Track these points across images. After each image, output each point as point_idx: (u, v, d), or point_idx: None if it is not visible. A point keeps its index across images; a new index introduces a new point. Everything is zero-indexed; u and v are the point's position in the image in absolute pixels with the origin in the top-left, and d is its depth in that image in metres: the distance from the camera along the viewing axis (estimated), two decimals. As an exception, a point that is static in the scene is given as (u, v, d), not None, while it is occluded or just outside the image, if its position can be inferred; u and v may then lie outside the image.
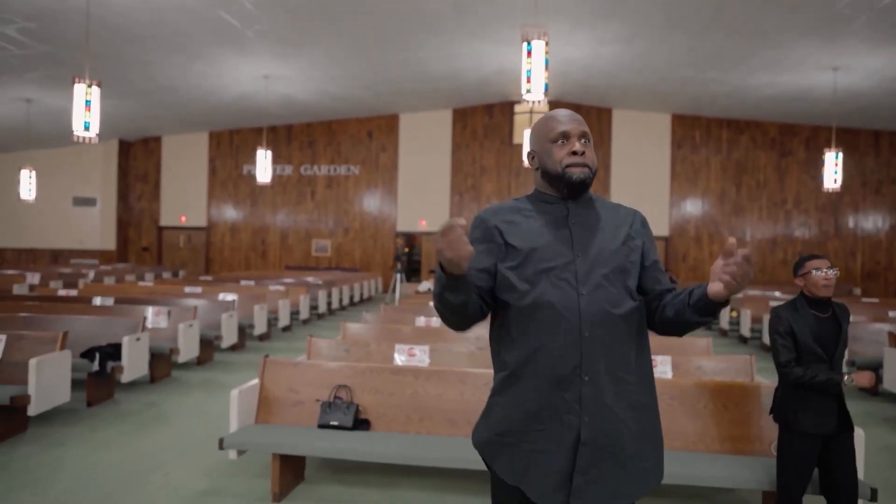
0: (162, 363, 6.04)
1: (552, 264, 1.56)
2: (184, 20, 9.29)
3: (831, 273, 2.63)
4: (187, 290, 8.70)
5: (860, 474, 2.82)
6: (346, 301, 12.40)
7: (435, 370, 3.61)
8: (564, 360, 1.51)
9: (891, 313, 7.50)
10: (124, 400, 5.29)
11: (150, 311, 6.13)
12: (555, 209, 1.65)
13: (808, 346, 2.62)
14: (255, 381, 3.65)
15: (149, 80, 12.20)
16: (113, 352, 4.99)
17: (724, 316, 9.46)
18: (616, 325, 1.54)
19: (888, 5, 8.23)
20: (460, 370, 3.61)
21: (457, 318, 1.55)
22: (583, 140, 1.64)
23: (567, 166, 1.62)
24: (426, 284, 11.05)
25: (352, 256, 16.89)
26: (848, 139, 14.55)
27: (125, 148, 17.58)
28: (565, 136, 1.64)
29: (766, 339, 7.94)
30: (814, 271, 2.63)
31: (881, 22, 8.84)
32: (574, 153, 1.62)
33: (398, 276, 12.44)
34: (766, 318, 7.97)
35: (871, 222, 14.99)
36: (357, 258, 16.86)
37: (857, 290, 13.37)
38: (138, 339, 5.16)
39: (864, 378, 2.56)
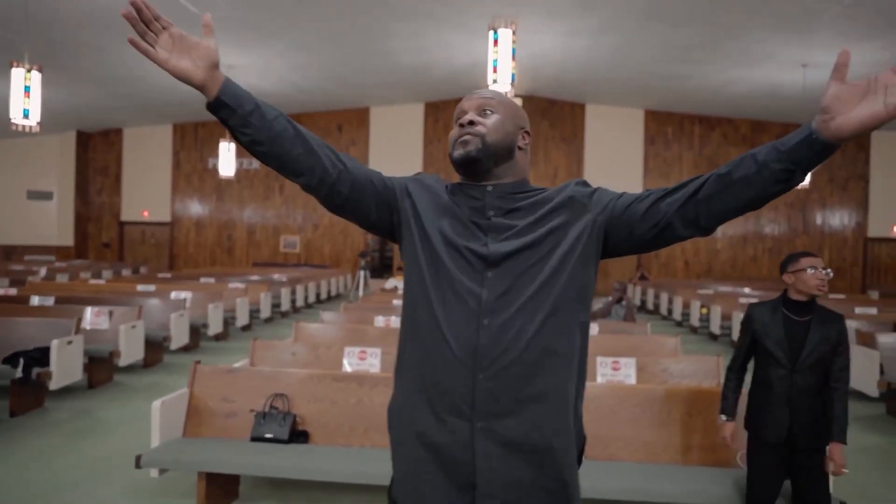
0: (102, 367, 5.65)
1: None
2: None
3: (825, 273, 2.42)
4: (139, 288, 8.27)
5: (831, 486, 2.62)
6: (312, 299, 12.04)
7: (382, 377, 3.33)
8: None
9: (857, 310, 7.43)
10: (55, 408, 4.91)
11: (88, 312, 5.73)
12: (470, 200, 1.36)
13: (769, 348, 2.46)
14: (184, 390, 3.33)
15: (104, 67, 11.66)
16: (41, 356, 4.61)
17: (695, 312, 9.36)
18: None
19: (856, 2, 8.16)
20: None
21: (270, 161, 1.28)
22: (485, 111, 1.35)
23: (455, 141, 1.34)
24: (392, 282, 10.75)
25: (321, 253, 16.50)
26: (817, 136, 14.62)
27: (84, 139, 16.89)
28: (461, 112, 1.37)
29: (736, 336, 7.83)
30: (809, 269, 2.41)
31: (850, 17, 8.78)
32: (461, 125, 1.34)
33: (363, 272, 12.09)
34: (737, 314, 7.86)
35: (838, 219, 15.10)
36: (326, 255, 16.48)
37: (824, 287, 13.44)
38: (70, 343, 4.78)
39: (724, 430, 2.61)
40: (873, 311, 7.27)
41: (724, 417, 2.58)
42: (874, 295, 12.05)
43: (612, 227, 1.31)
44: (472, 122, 1.33)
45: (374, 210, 1.37)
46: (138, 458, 2.92)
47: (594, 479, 2.77)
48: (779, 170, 1.13)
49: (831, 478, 2.58)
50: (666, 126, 15.46)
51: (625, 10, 9.32)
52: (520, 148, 1.39)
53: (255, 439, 3.17)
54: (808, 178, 11.34)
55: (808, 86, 11.46)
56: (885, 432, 4.78)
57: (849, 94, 1.06)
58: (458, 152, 1.32)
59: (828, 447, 2.39)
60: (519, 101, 15.00)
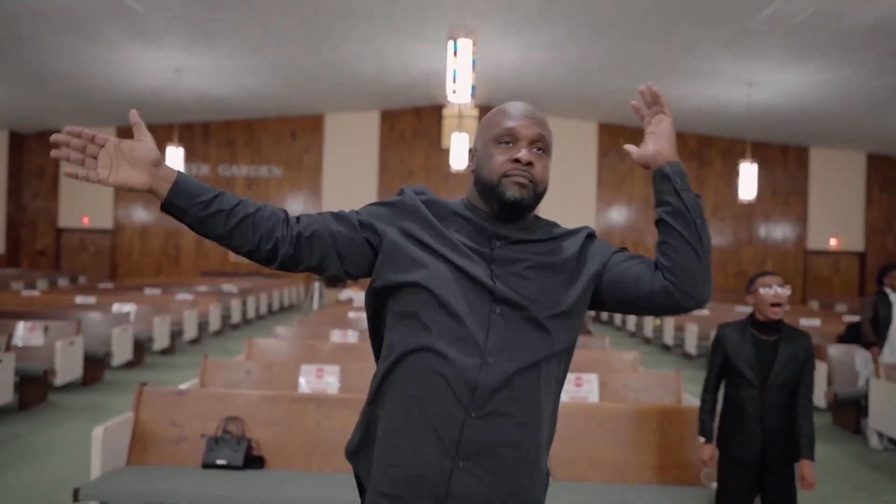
0: (35, 387, 5.28)
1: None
2: None
3: (781, 291, 2.43)
4: (78, 300, 7.82)
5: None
6: (263, 310, 11.69)
7: (342, 398, 3.19)
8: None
9: (803, 321, 7.71)
10: (-19, 433, 4.54)
11: (20, 327, 5.35)
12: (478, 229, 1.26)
13: (739, 369, 2.49)
14: (128, 414, 3.11)
15: (41, 64, 11.05)
16: (-34, 377, 4.25)
17: (648, 324, 9.53)
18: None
19: (798, 24, 8.53)
20: (371, 397, 3.21)
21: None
22: (535, 148, 1.24)
23: (503, 175, 1.22)
24: (348, 293, 10.55)
25: (273, 262, 16.07)
26: (760, 152, 15.23)
27: (18, 141, 15.98)
28: (512, 137, 1.24)
29: (689, 347, 8.01)
30: (762, 289, 2.43)
31: (792, 40, 9.18)
32: (517, 160, 1.21)
33: (317, 284, 11.83)
34: (689, 326, 8.04)
35: (781, 232, 15.76)
36: (279, 263, 16.06)
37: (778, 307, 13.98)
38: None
39: (703, 453, 2.57)
40: (817, 322, 7.55)
41: (702, 439, 2.57)
42: (814, 305, 12.60)
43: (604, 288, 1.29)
44: (529, 163, 1.22)
45: (337, 258, 1.27)
46: (76, 492, 2.69)
47: (560, 500, 2.71)
48: (674, 230, 1.20)
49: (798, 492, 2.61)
50: (619, 139, 15.80)
51: (580, 25, 9.48)
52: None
53: (206, 466, 2.98)
54: (754, 191, 11.81)
55: (753, 103, 11.92)
56: (832, 441, 4.93)
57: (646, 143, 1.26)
58: (513, 195, 1.21)
59: (797, 464, 2.41)
60: (475, 113, 15.04)
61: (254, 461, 3.03)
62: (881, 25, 8.28)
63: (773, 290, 2.42)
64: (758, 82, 11.09)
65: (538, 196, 1.24)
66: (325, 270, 1.27)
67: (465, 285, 1.19)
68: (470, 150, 1.34)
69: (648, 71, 11.35)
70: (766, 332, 2.48)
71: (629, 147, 1.26)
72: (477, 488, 1.15)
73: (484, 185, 1.24)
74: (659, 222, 1.20)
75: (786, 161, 15.70)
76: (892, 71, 10.00)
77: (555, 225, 1.33)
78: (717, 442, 2.60)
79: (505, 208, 1.23)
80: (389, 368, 1.22)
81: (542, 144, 1.24)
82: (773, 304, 2.42)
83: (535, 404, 1.19)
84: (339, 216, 1.30)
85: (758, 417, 2.43)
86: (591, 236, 1.31)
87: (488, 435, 1.15)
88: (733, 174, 14.56)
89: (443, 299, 1.17)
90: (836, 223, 15.60)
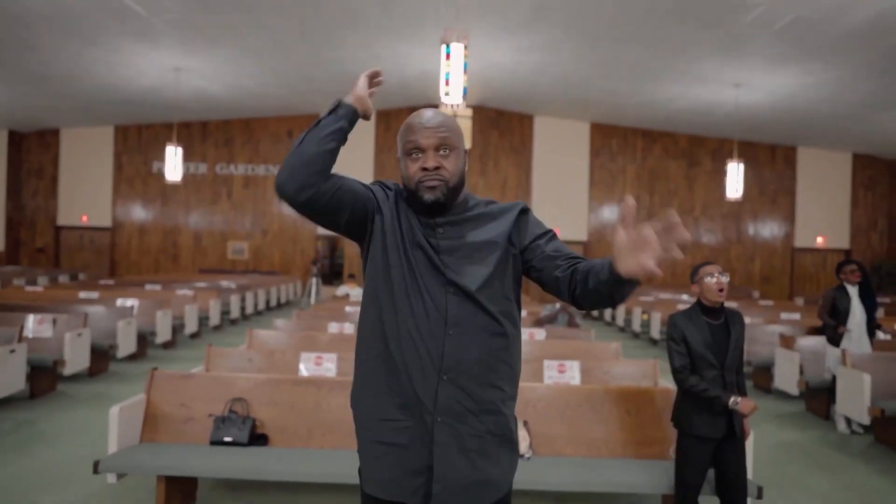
0: (44, 377, 5.50)
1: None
2: (78, 1, 8.59)
3: (723, 279, 2.70)
4: (82, 295, 8.04)
5: (749, 473, 2.91)
6: (261, 306, 11.91)
7: (339, 381, 3.44)
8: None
9: (783, 315, 8.00)
10: (-4, 419, 4.77)
11: (31, 320, 5.57)
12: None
13: (700, 353, 2.71)
14: (141, 395, 3.35)
15: (40, 65, 11.24)
16: (-18, 365, 4.47)
17: (636, 318, 9.79)
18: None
19: (784, 27, 8.80)
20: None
21: (308, 170, 1.40)
22: (442, 150, 1.50)
23: (419, 182, 1.49)
24: (344, 289, 10.78)
25: (270, 259, 16.30)
26: (748, 152, 15.53)
27: (17, 140, 16.15)
28: (418, 149, 1.50)
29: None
30: (707, 278, 2.69)
31: (778, 43, 9.45)
32: (425, 169, 1.49)
33: (314, 280, 12.06)
34: (674, 320, 8.30)
35: (768, 230, 16.06)
36: (276, 261, 16.29)
37: (756, 294, 14.26)
38: (12, 352, 4.66)
39: (747, 407, 2.65)
40: (797, 316, 7.84)
41: (733, 398, 2.62)
42: (800, 302, 12.88)
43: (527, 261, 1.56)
44: (437, 168, 1.48)
45: (347, 217, 1.51)
46: (96, 464, 2.93)
47: (540, 472, 2.97)
48: (604, 293, 1.35)
49: (750, 467, 2.87)
50: (610, 139, 16.08)
51: (572, 28, 9.73)
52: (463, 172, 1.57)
53: (214, 443, 3.22)
54: (741, 190, 12.08)
55: (740, 104, 12.20)
56: (804, 427, 5.20)
57: (630, 242, 1.22)
58: (428, 198, 1.48)
59: (738, 405, 2.63)
60: (469, 112, 15.25)
61: (258, 439, 3.28)
62: (864, 29, 8.56)
63: (716, 279, 2.69)
64: (745, 84, 11.37)
65: (453, 188, 1.49)
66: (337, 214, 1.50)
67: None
68: (398, 159, 1.61)
69: (640, 73, 11.62)
70: (713, 317, 2.74)
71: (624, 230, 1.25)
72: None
73: (408, 191, 1.53)
74: (606, 271, 1.32)
75: (774, 160, 16.00)
76: (876, 73, 10.29)
77: (490, 202, 1.60)
78: (675, 422, 2.82)
79: (427, 209, 1.50)
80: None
81: (446, 146, 1.49)
82: (719, 290, 2.69)
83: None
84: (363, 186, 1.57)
85: (720, 408, 2.66)
86: (524, 211, 1.58)
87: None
88: (722, 174, 14.86)
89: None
90: (823, 222, 15.92)
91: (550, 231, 1.57)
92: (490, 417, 1.46)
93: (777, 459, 4.38)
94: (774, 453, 4.51)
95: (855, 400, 4.60)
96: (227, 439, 3.21)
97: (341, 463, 3.03)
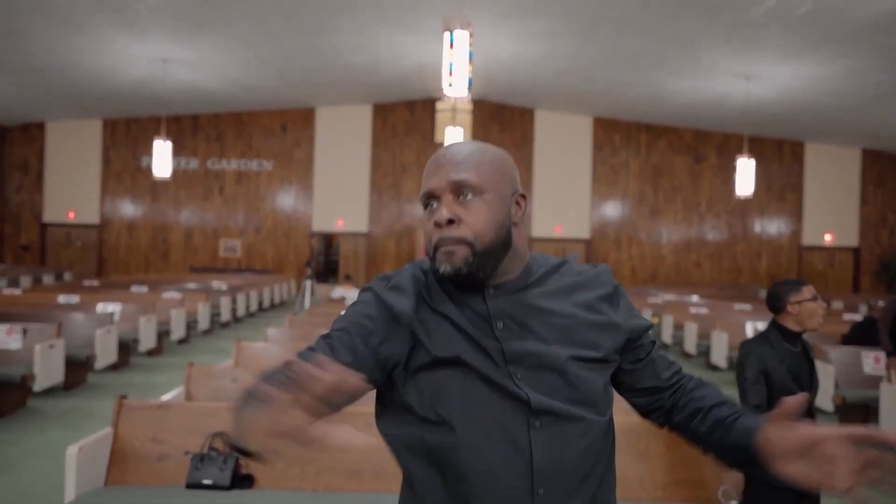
0: (12, 392, 5.04)
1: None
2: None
3: (822, 302, 2.31)
4: (61, 299, 7.56)
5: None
6: (254, 307, 11.47)
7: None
8: None
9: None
10: (-45, 443, 4.31)
11: (-2, 330, 5.11)
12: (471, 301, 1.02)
13: (786, 385, 2.29)
14: (107, 430, 2.90)
15: (24, 55, 10.74)
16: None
17: (646, 321, 9.40)
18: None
19: (800, 17, 8.39)
20: (367, 410, 3.02)
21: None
22: (460, 195, 1.00)
23: (436, 248, 0.99)
24: (340, 291, 10.33)
25: (263, 257, 15.84)
26: (755, 147, 15.14)
27: (0, 133, 15.61)
28: (432, 196, 1.01)
29: (688, 347, 7.88)
30: (811, 303, 2.27)
31: (791, 33, 9.04)
32: (437, 225, 0.99)
33: (308, 282, 11.60)
34: (688, 324, 7.91)
35: (775, 227, 15.70)
36: (269, 259, 15.83)
37: (763, 293, 13.91)
38: (-27, 369, 4.20)
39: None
40: (817, 320, 7.43)
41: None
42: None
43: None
44: (450, 222, 0.98)
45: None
46: (48, 518, 2.49)
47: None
48: (713, 451, 1.06)
49: None
50: (613, 133, 15.66)
51: (575, 17, 9.29)
52: (515, 224, 1.04)
53: (190, 486, 2.78)
54: (751, 187, 11.68)
55: (751, 98, 11.79)
56: (839, 446, 4.80)
57: (788, 444, 0.89)
58: (445, 269, 0.98)
59: None
60: (470, 107, 14.74)
61: (242, 480, 2.84)
62: (880, 21, 8.17)
63: (821, 302, 2.27)
64: (755, 76, 10.96)
65: (483, 254, 0.98)
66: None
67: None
68: None
69: (644, 65, 11.19)
70: (793, 343, 2.33)
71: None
72: None
73: (430, 260, 1.04)
74: (745, 438, 0.96)
75: (781, 156, 15.62)
76: (890, 66, 9.90)
77: (552, 264, 1.08)
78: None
79: (454, 283, 1.02)
80: None
81: (467, 188, 1.00)
82: (822, 316, 2.28)
83: None
84: None
85: None
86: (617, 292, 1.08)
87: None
88: (728, 169, 14.47)
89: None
90: (831, 218, 15.57)
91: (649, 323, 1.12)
92: None
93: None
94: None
95: (901, 420, 4.21)
96: (207, 482, 2.77)
97: (338, 509, 2.60)
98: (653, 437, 2.91)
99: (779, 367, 2.29)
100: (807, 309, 2.28)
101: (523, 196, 1.07)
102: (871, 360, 5.04)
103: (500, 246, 1.00)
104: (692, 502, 2.81)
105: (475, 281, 1.00)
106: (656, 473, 2.85)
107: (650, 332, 1.11)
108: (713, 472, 2.84)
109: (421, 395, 0.99)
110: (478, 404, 0.96)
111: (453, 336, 0.99)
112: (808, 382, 2.30)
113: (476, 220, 0.99)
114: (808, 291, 2.29)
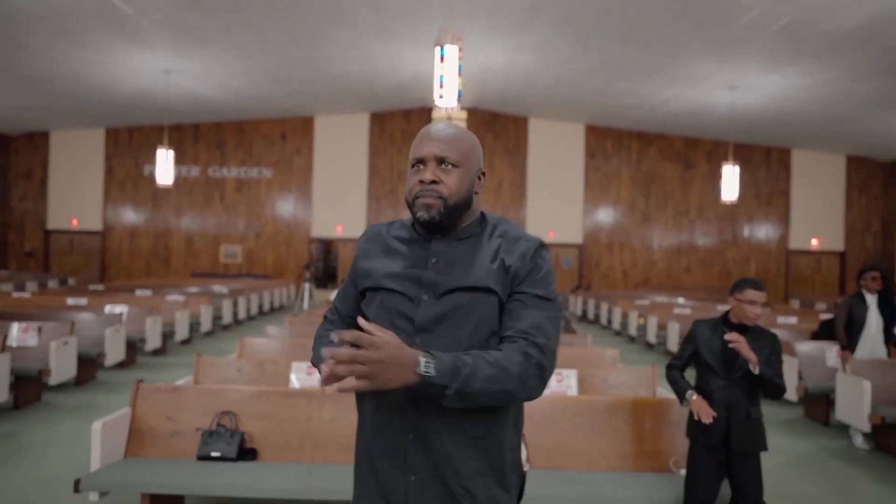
0: (29, 386, 5.37)
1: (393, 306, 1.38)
2: (66, 1, 8.46)
3: (761, 311, 2.71)
4: (70, 301, 7.90)
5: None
6: (255, 311, 11.78)
7: (331, 393, 3.34)
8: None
9: (780, 319, 7.94)
10: (-22, 431, 4.63)
11: (15, 328, 5.44)
12: (416, 247, 1.41)
13: (706, 361, 2.76)
14: (126, 409, 3.24)
15: (29, 66, 11.09)
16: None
17: (633, 322, 9.73)
18: None
19: (779, 30, 8.77)
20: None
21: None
22: (443, 164, 1.36)
23: (415, 197, 1.37)
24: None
25: (264, 263, 16.17)
26: (743, 154, 15.53)
27: (4, 142, 15.97)
28: (421, 160, 1.38)
29: (671, 346, 8.21)
30: (748, 305, 2.66)
31: (773, 45, 9.42)
32: (422, 182, 1.36)
33: (307, 285, 11.92)
34: (671, 324, 8.24)
35: (763, 232, 16.06)
36: (269, 265, 16.16)
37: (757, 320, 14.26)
38: (-4, 361, 4.53)
39: (700, 409, 2.64)
40: (793, 320, 7.78)
41: (690, 394, 2.72)
42: (795, 304, 12.87)
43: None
44: (433, 182, 1.35)
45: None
46: (77, 482, 2.82)
47: (539, 487, 2.87)
48: None
49: (764, 480, 2.80)
50: (605, 141, 16.04)
51: (567, 28, 9.67)
52: (476, 193, 1.42)
53: (201, 458, 3.11)
54: (736, 192, 12.03)
55: (736, 106, 12.17)
56: (803, 434, 5.14)
57: None
58: (422, 216, 1.35)
59: (761, 452, 2.65)
60: (464, 115, 15.13)
61: (247, 453, 3.17)
62: (858, 32, 8.54)
63: (758, 310, 2.65)
64: (740, 86, 11.34)
65: (452, 208, 1.35)
66: None
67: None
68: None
69: (634, 74, 11.57)
70: (735, 331, 2.69)
71: None
72: None
73: (408, 207, 1.40)
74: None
75: (768, 163, 16.00)
76: (870, 76, 10.27)
77: (503, 224, 1.42)
78: (686, 431, 2.80)
79: (423, 227, 1.39)
80: None
81: (450, 160, 1.35)
82: (755, 319, 2.68)
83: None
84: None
85: (724, 405, 2.67)
86: (541, 246, 1.41)
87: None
88: (718, 176, 14.84)
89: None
90: (818, 224, 15.93)
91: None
92: None
93: (777, 467, 4.30)
94: (774, 461, 4.44)
95: (855, 407, 4.54)
96: (215, 454, 3.10)
97: (334, 478, 2.93)
98: (613, 415, 3.25)
99: (709, 347, 2.75)
100: (739, 307, 2.68)
101: (484, 173, 1.46)
102: (834, 354, 5.38)
103: (464, 206, 1.38)
104: (648, 471, 3.15)
105: (441, 227, 1.38)
106: (616, 446, 3.19)
107: (554, 303, 1.36)
108: (667, 445, 3.17)
109: (367, 308, 1.42)
110: (381, 319, 1.37)
111: (392, 266, 1.40)
112: (732, 364, 2.69)
113: (451, 184, 1.36)
114: (750, 294, 2.66)
